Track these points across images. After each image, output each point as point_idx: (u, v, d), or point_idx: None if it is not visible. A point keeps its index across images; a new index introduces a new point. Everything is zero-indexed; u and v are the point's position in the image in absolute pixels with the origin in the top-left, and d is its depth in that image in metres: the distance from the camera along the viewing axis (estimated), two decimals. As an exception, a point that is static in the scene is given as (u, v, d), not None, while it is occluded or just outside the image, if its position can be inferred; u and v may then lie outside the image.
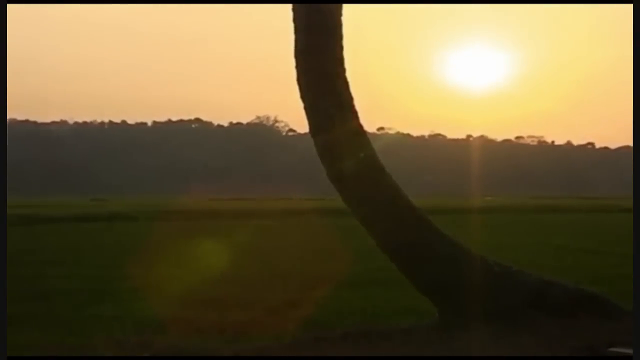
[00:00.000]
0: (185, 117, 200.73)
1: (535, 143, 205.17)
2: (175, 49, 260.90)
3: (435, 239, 11.31)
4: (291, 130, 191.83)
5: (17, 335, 10.86)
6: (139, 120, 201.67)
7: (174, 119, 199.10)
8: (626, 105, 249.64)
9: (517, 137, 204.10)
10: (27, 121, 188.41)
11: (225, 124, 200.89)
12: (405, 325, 10.90)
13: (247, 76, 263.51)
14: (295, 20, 11.36)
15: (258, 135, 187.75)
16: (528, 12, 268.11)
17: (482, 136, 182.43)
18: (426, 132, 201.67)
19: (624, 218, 46.41)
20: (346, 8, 11.47)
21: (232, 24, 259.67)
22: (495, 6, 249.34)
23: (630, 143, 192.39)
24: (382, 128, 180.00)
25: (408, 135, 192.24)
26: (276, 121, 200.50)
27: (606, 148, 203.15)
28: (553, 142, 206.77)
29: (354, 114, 11.46)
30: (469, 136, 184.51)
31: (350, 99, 11.44)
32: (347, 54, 11.48)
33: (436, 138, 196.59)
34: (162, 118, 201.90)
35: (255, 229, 36.82)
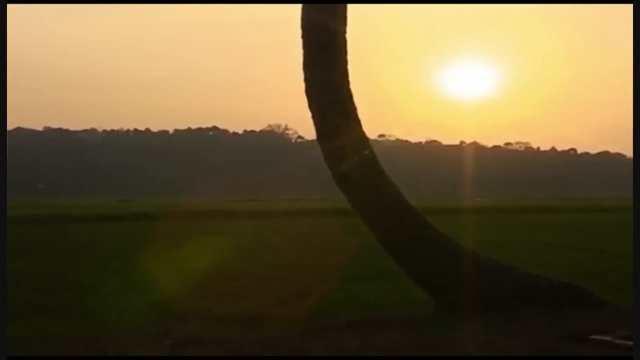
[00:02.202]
0: (204, 125, 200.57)
1: (522, 149, 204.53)
2: (193, 64, 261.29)
3: (431, 236, 11.29)
4: (300, 137, 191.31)
5: (51, 324, 10.88)
6: (162, 128, 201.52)
7: (194, 127, 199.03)
8: (605, 114, 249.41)
9: (506, 144, 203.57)
10: (60, 129, 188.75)
11: (240, 132, 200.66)
12: (405, 315, 10.88)
13: (260, 88, 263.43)
14: (303, 36, 11.36)
15: (270, 142, 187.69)
16: (512, 28, 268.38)
17: (474, 142, 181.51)
18: (423, 139, 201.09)
19: (603, 217, 46.46)
20: (352, 26, 11.47)
21: (246, 41, 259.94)
22: (483, 24, 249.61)
23: (609, 149, 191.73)
24: (382, 135, 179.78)
25: (406, 141, 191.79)
26: (286, 129, 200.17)
27: (587, 153, 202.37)
28: (539, 148, 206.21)
29: (358, 122, 11.45)
30: (462, 142, 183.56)
31: (353, 108, 11.44)
32: (351, 67, 11.49)
33: (432, 144, 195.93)
34: (183, 126, 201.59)
35: (267, 226, 36.81)
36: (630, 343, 8.20)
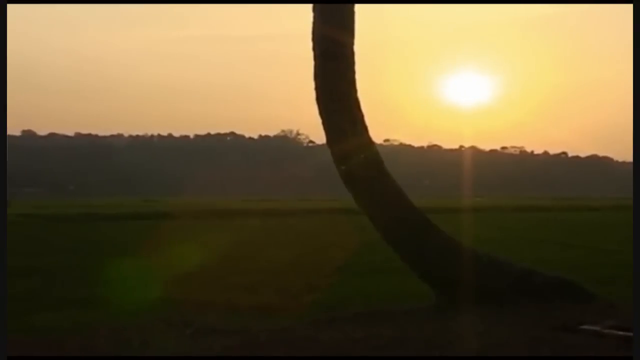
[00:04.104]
0: (222, 131, 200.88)
1: (517, 152, 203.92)
2: (213, 74, 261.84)
3: (432, 234, 11.26)
4: (311, 141, 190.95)
5: (82, 315, 10.91)
6: (183, 133, 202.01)
7: (213, 132, 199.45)
8: (594, 120, 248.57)
9: (502, 148, 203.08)
10: (89, 134, 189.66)
11: (255, 137, 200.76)
12: (407, 307, 10.84)
13: (274, 96, 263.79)
14: (314, 48, 11.35)
15: (283, 146, 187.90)
16: (507, 39, 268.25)
17: (472, 147, 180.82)
18: (425, 143, 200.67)
19: (593, 216, 46.25)
20: (359, 38, 11.45)
21: (261, 53, 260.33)
22: (480, 36, 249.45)
23: (597, 152, 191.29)
24: (387, 139, 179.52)
25: (410, 145, 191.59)
26: (298, 134, 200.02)
27: (577, 157, 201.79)
28: (532, 151, 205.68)
29: (364, 128, 11.43)
30: (461, 146, 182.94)
31: (361, 115, 11.42)
32: (359, 76, 11.48)
33: (433, 148, 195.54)
34: (202, 131, 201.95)
35: (279, 224, 36.82)
36: (618, 332, 8.20)
